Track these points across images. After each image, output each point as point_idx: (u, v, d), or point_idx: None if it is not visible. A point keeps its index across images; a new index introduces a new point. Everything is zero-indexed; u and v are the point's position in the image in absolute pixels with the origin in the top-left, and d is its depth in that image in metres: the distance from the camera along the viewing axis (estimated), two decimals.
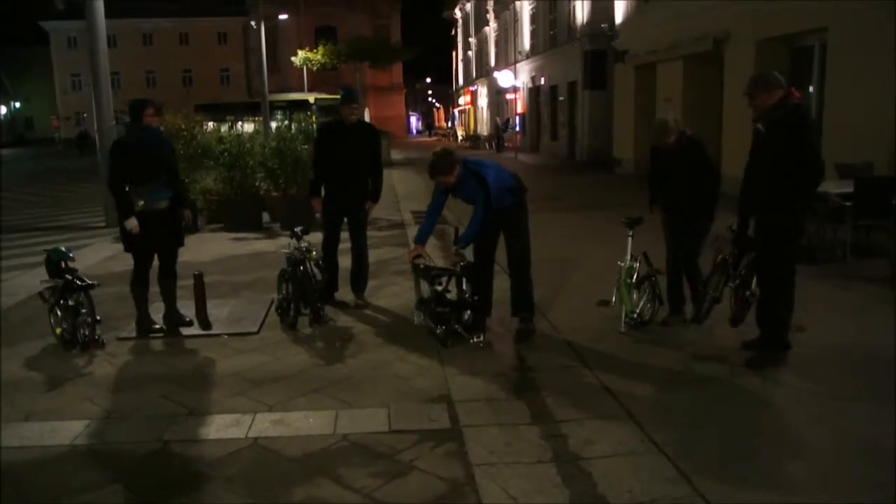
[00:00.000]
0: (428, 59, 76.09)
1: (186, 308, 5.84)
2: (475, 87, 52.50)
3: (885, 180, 8.39)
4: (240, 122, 19.73)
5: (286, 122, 13.96)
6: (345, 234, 6.50)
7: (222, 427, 3.99)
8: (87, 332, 5.29)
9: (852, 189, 7.83)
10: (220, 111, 24.88)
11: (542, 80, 31.99)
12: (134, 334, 5.68)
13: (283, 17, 49.16)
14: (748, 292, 5.12)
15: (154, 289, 5.71)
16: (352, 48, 33.59)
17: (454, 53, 64.39)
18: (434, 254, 7.08)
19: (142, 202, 5.39)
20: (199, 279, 5.79)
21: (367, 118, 21.91)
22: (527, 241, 5.52)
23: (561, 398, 4.27)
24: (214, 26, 63.22)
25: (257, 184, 11.46)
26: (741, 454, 3.60)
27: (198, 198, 10.95)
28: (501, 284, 5.79)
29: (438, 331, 5.25)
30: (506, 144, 34.72)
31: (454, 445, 3.71)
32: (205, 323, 5.77)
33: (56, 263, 5.48)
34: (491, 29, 44.36)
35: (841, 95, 11.08)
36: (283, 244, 7.27)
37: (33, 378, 4.86)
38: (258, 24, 23.79)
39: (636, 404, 4.18)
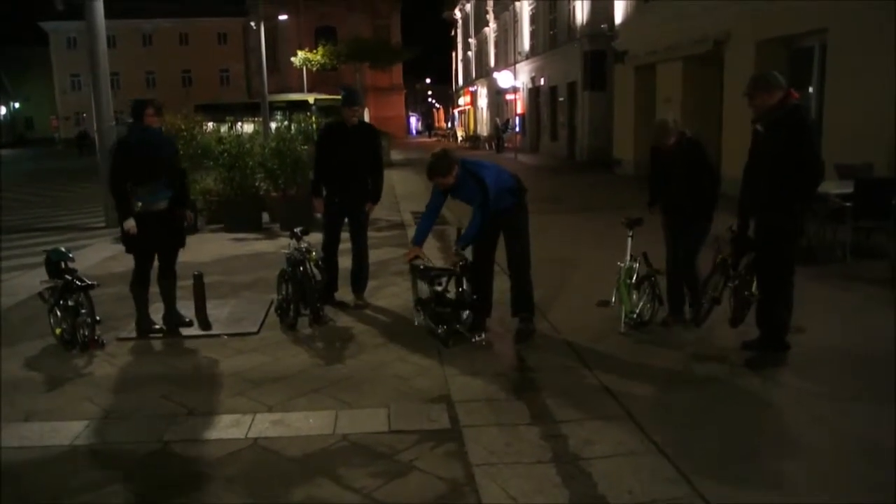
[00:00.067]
0: (428, 59, 76.31)
1: (186, 308, 5.84)
2: (475, 87, 52.51)
3: (885, 181, 8.41)
4: (239, 123, 19.70)
5: (286, 123, 13.95)
6: (345, 235, 6.51)
7: (222, 427, 4.00)
8: (86, 333, 5.30)
9: (852, 190, 7.84)
10: (220, 111, 24.69)
11: (542, 81, 32.01)
12: (134, 334, 5.68)
13: (282, 17, 49.22)
14: (748, 293, 5.12)
15: (154, 289, 5.71)
16: (352, 48, 33.65)
17: (454, 54, 64.42)
18: (434, 254, 7.09)
19: (140, 204, 5.39)
20: (198, 279, 5.79)
21: (366, 119, 21.88)
22: (527, 241, 5.51)
23: (561, 398, 4.27)
24: (214, 27, 63.29)
25: (257, 184, 11.46)
26: (741, 454, 3.60)
27: (198, 198, 10.92)
28: (501, 285, 5.79)
29: (440, 330, 5.25)
30: (505, 145, 34.71)
31: (454, 445, 3.71)
32: (205, 323, 5.77)
33: (56, 264, 5.48)
34: (491, 29, 44.36)
35: (841, 96, 11.08)
36: (282, 245, 7.28)
37: (33, 378, 4.86)
38: (258, 25, 23.81)
39: (636, 404, 4.18)
